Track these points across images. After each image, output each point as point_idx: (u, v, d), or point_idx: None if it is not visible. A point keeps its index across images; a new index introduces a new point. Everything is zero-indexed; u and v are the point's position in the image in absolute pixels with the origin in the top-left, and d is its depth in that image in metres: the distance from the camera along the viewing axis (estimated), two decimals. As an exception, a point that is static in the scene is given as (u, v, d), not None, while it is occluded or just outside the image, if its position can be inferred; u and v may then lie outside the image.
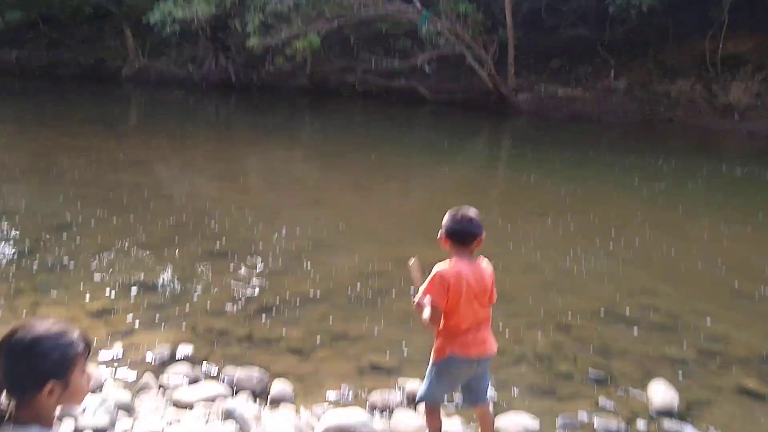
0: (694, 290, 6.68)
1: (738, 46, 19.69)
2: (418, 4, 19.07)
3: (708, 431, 4.21)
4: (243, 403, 3.85)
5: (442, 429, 3.52)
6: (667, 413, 4.31)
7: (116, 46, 25.53)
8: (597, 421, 4.22)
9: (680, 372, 4.94)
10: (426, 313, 3.18)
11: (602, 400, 4.47)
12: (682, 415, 4.34)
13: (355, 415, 3.78)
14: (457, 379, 3.34)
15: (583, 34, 20.78)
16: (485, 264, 3.38)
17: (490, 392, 3.49)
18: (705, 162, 13.68)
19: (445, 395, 3.38)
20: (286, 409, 4.06)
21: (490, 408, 3.63)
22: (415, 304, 3.23)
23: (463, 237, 3.26)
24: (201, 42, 23.67)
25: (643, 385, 4.62)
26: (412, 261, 3.35)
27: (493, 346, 3.36)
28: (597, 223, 8.93)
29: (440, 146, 14.89)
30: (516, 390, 4.60)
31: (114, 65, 25.11)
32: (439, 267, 3.24)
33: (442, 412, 3.67)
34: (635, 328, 5.67)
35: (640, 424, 4.24)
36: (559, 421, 4.20)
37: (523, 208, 9.77)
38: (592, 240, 8.12)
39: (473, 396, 3.43)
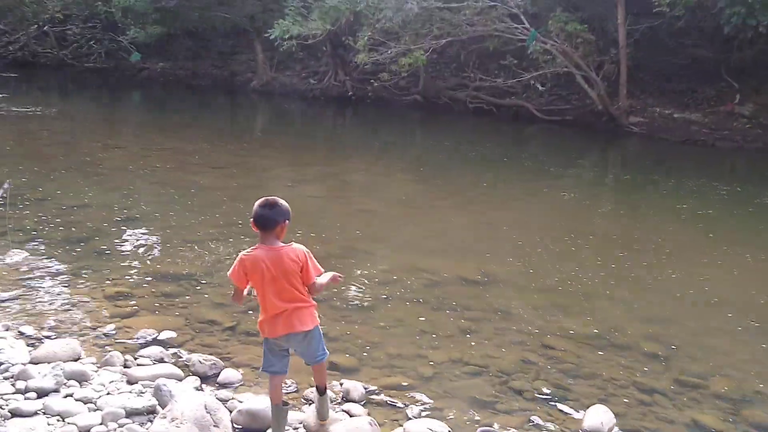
0: (705, 323, 6.41)
1: None
2: (526, 23, 18.97)
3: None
4: (170, 382, 4.24)
5: (282, 399, 3.98)
6: (593, 436, 4.27)
7: (247, 60, 27.22)
8: (517, 436, 4.27)
9: (639, 401, 4.83)
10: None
11: (536, 418, 4.48)
12: (611, 439, 4.29)
13: (266, 402, 4.08)
14: (278, 352, 3.84)
15: (706, 55, 19.79)
16: (294, 246, 3.74)
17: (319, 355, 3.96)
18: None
19: (280, 367, 3.85)
20: (223, 392, 4.44)
21: (325, 365, 4.08)
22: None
23: (262, 223, 3.66)
24: (323, 57, 24.78)
25: (588, 408, 4.58)
26: None
27: (302, 325, 3.75)
28: (643, 252, 8.56)
29: (542, 168, 14.56)
30: (455, 400, 4.70)
31: (244, 77, 26.78)
32: (243, 251, 3.71)
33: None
34: (620, 354, 5.56)
35: (560, 443, 4.24)
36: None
37: (574, 233, 9.59)
38: (623, 267, 7.89)
39: (305, 359, 3.99)
